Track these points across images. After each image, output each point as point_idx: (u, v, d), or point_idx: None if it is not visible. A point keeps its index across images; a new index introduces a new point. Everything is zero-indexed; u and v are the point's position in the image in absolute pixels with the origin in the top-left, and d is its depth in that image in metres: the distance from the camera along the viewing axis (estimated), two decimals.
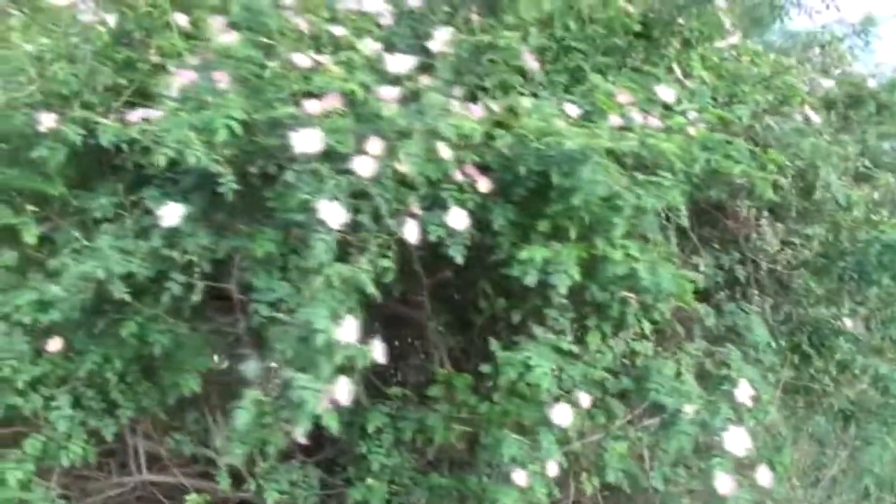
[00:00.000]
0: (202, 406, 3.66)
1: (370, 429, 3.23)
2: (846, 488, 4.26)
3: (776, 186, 2.82)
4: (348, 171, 2.07)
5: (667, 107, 2.91)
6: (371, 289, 2.07)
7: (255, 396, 2.05)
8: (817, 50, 4.49)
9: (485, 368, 2.74)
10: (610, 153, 2.34)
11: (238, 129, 2.15)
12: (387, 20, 2.75)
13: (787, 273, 3.60)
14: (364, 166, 2.06)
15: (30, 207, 2.82)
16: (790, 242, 3.65)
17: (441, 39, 2.37)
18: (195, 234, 2.41)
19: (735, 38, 3.80)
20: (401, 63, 2.34)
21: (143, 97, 2.78)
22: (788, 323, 3.65)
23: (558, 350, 2.63)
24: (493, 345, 2.64)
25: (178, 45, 2.51)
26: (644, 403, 2.99)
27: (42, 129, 2.57)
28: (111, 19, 2.75)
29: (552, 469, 2.76)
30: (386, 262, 2.11)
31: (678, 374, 2.79)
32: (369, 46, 2.36)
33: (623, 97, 2.83)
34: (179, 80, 2.34)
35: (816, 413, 3.98)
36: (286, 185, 2.12)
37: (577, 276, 2.54)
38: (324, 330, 1.94)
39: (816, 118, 3.43)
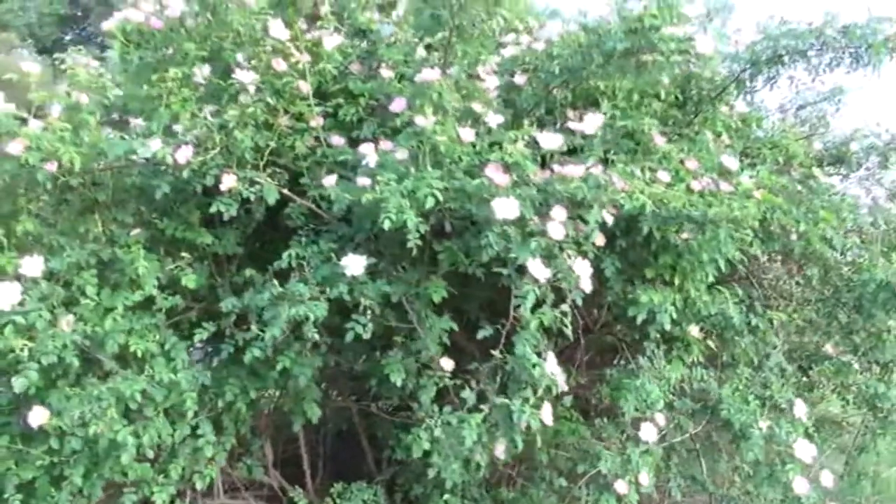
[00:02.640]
0: (263, 436, 4.02)
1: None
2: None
3: (824, 238, 3.41)
4: (542, 233, 2.53)
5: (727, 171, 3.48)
6: (569, 331, 2.53)
7: (477, 420, 2.48)
8: (794, 114, 5.20)
9: (605, 391, 3.20)
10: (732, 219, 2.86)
11: (440, 197, 2.58)
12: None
13: (797, 308, 4.21)
14: (556, 230, 2.52)
15: (185, 255, 3.17)
16: (797, 282, 4.27)
17: (593, 123, 2.85)
18: (375, 281, 2.81)
19: (740, 105, 4.43)
20: (552, 141, 2.81)
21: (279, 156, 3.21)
22: (796, 350, 4.28)
23: (657, 377, 3.14)
24: (612, 373, 3.13)
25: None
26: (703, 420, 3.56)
27: (223, 187, 2.93)
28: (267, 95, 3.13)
29: (644, 479, 3.26)
30: (565, 308, 2.57)
31: (744, 397, 3.34)
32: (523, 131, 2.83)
33: (690, 164, 3.38)
34: (370, 151, 2.75)
35: None
36: (487, 245, 2.55)
37: (675, 315, 3.07)
38: (536, 363, 2.40)
39: (824, 178, 4.09)
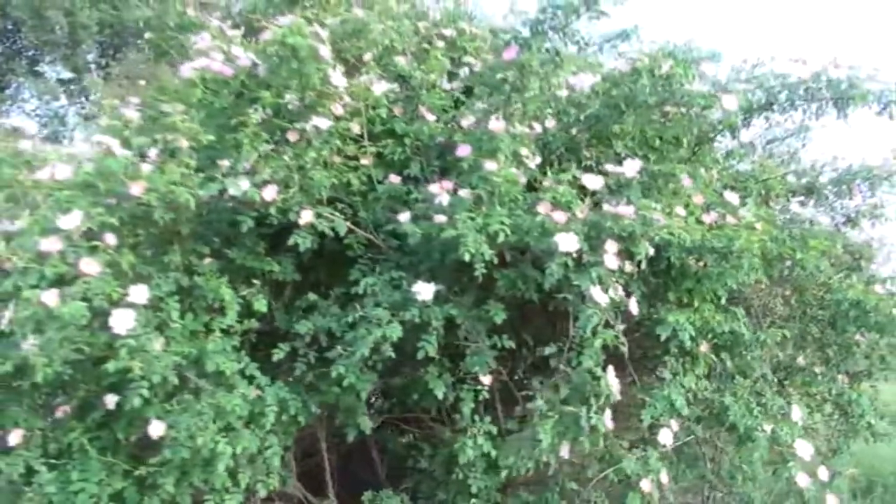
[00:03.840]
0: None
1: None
2: None
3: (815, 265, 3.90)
4: (599, 264, 2.95)
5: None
6: (625, 349, 2.95)
7: (551, 424, 2.88)
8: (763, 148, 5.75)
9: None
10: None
11: (508, 232, 2.98)
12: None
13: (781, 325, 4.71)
14: (611, 261, 2.94)
15: (255, 282, 3.49)
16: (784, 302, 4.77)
17: (632, 168, 3.28)
18: (441, 306, 3.19)
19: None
20: (594, 182, 3.24)
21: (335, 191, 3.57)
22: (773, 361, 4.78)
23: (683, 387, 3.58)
24: (641, 385, 3.55)
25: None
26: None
27: (301, 222, 3.28)
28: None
29: (664, 478, 3.69)
30: (619, 328, 2.98)
31: (747, 405, 3.80)
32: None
33: (697, 199, 3.84)
34: (438, 190, 3.14)
35: None
36: (550, 273, 2.95)
37: (692, 333, 3.52)
38: (600, 376, 2.81)
39: (800, 209, 4.62)
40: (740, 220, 3.80)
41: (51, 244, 2.69)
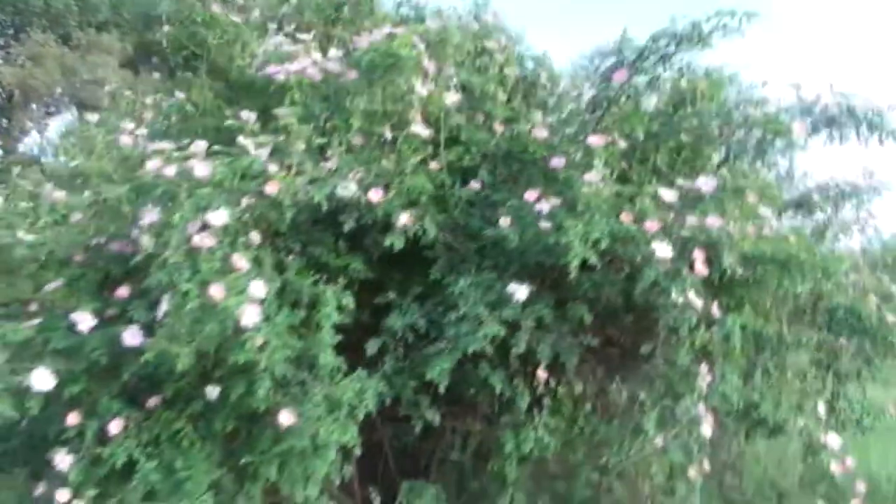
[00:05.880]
0: None
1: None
2: None
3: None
4: (691, 270, 3.24)
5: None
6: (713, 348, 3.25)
7: (655, 416, 3.16)
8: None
9: None
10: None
11: (607, 239, 3.25)
12: None
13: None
14: (702, 269, 3.24)
15: (341, 280, 3.65)
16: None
17: (710, 184, 3.57)
18: (534, 305, 3.43)
19: None
20: (670, 195, 3.53)
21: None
22: None
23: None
24: None
25: None
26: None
27: (399, 223, 3.46)
28: None
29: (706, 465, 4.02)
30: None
31: (776, 400, 4.17)
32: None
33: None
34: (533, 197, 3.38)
35: None
36: (647, 278, 3.22)
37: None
38: (696, 373, 3.11)
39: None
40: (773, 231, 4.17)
41: (203, 240, 2.79)
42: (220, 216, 2.85)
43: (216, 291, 2.70)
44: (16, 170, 3.74)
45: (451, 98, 3.96)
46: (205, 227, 2.83)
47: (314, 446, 3.19)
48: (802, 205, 5.75)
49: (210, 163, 2.96)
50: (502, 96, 4.32)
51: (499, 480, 4.39)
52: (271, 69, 3.71)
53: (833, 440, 3.99)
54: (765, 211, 4.26)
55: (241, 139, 3.12)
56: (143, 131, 3.93)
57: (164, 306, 2.76)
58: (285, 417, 3.02)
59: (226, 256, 2.83)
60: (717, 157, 4.68)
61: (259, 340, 2.89)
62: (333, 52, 4.03)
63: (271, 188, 3.01)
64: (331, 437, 3.18)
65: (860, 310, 4.77)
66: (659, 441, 3.64)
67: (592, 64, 4.68)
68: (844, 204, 5.66)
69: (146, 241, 2.83)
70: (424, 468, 4.89)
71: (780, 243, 3.76)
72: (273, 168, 3.11)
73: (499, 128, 4.02)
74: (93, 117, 4.12)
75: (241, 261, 2.85)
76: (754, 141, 3.63)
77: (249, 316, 2.96)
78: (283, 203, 3.06)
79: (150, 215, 2.92)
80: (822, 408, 4.19)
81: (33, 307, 3.64)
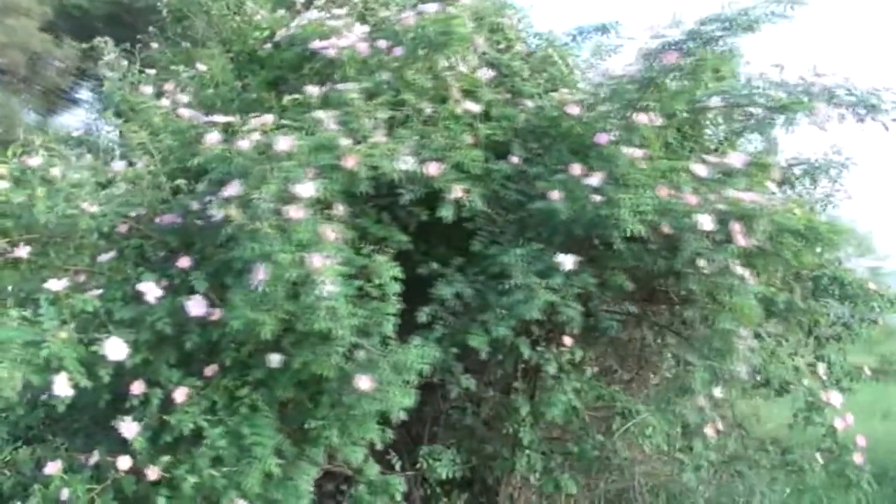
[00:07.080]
0: None
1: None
2: None
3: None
4: (730, 241, 3.47)
5: None
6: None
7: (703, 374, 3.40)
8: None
9: None
10: None
11: (654, 213, 3.45)
12: None
13: None
14: (740, 239, 3.47)
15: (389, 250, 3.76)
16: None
17: (740, 159, 3.80)
18: (580, 274, 3.62)
19: None
20: (702, 170, 3.76)
21: None
22: None
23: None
24: None
25: None
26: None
27: (452, 196, 3.59)
28: None
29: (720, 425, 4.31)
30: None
31: (781, 361, 4.49)
32: None
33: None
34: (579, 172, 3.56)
35: None
36: (690, 248, 3.44)
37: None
38: (744, 337, 3.36)
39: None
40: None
41: (295, 212, 2.87)
42: (307, 188, 2.93)
43: (317, 261, 2.80)
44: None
45: (487, 74, 4.09)
46: (291, 199, 2.91)
47: (379, 411, 3.33)
48: (784, 180, 6.09)
49: (290, 137, 3.04)
50: (527, 73, 4.46)
51: (517, 444, 4.61)
52: (317, 44, 3.77)
53: (835, 398, 4.31)
54: (771, 185, 4.55)
55: (318, 113, 3.20)
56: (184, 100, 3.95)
57: (259, 275, 2.84)
58: (364, 383, 3.13)
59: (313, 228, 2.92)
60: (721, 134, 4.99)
61: (341, 308, 2.99)
62: (359, 27, 4.12)
63: (351, 161, 3.11)
64: (401, 402, 3.31)
65: (843, 277, 5.13)
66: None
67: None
68: (821, 179, 6.02)
69: (233, 212, 2.90)
70: (434, 434, 5.10)
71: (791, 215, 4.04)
72: (345, 142, 3.20)
73: (528, 103, 4.17)
74: (145, 89, 4.09)
75: (330, 233, 2.95)
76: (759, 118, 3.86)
77: (328, 287, 3.07)
78: (359, 175, 3.15)
79: (232, 187, 2.99)
80: (822, 369, 4.52)
81: (82, 278, 3.67)
